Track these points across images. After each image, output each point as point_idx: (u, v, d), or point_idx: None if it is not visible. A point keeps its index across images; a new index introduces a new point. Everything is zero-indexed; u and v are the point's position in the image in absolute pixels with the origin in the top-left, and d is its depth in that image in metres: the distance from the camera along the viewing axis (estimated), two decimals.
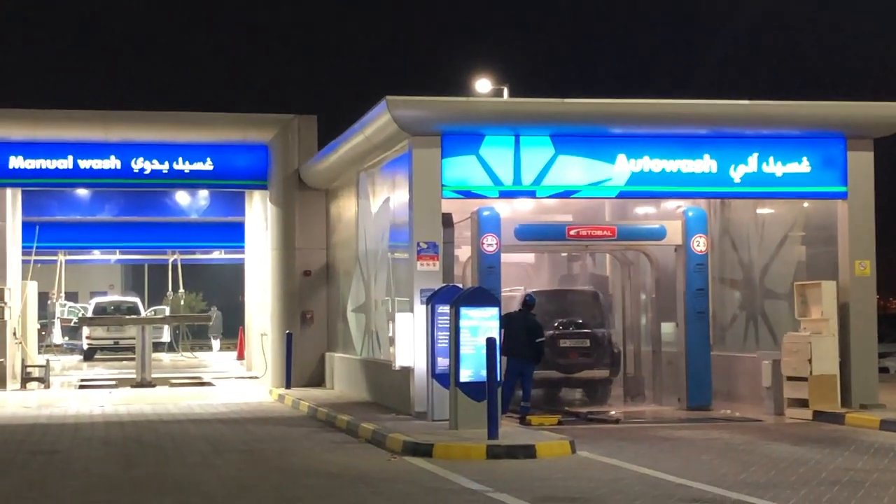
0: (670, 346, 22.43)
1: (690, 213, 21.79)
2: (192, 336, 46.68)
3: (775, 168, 20.84)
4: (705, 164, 20.70)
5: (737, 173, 20.77)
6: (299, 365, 27.08)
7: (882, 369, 25.84)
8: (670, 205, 23.13)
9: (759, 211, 23.12)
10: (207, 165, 28.11)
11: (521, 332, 19.43)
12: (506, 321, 19.43)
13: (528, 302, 19.84)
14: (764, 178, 20.82)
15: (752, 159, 20.78)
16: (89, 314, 42.58)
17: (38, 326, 38.92)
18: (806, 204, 22.01)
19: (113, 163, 27.65)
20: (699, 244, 21.66)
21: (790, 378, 20.21)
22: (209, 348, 47.11)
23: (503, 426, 17.00)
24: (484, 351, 16.56)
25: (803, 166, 20.87)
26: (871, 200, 20.86)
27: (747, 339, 23.09)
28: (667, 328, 22.76)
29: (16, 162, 27.16)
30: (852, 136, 20.83)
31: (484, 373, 16.59)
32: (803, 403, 19.92)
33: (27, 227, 31.65)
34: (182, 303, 47.20)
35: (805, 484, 13.16)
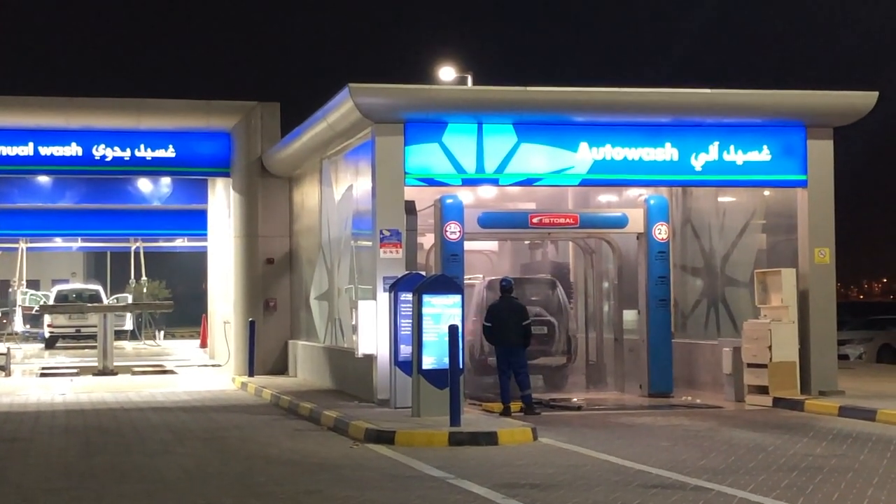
0: (632, 334, 22.55)
1: (652, 202, 21.90)
2: (155, 324, 46.51)
3: (736, 156, 20.97)
4: (667, 152, 20.80)
5: (698, 161, 20.89)
6: (262, 353, 27.04)
7: (841, 356, 26.07)
8: (632, 193, 23.25)
9: (720, 199, 23.27)
10: (170, 152, 28.00)
11: (507, 318, 19.31)
12: (490, 313, 19.47)
13: (506, 287, 19.75)
14: (725, 166, 20.95)
15: (713, 147, 20.90)
16: (51, 302, 42.33)
17: (0, 314, 38.71)
18: (766, 192, 22.17)
19: (74, 150, 27.49)
20: (661, 232, 21.77)
21: (750, 365, 20.36)
22: (172, 336, 46.96)
23: (466, 413, 17.05)
24: (447, 338, 16.60)
25: (764, 155, 21.01)
26: (831, 189, 21.03)
27: (708, 326, 23.26)
28: (629, 315, 22.88)
29: None
30: (812, 124, 20.98)
31: (447, 360, 16.63)
32: (763, 390, 20.08)
33: None
34: (145, 290, 46.99)
35: (764, 469, 13.28)
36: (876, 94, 20.80)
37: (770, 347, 20.01)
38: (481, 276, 23.32)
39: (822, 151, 21.00)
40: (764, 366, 20.07)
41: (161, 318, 46.46)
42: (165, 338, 46.22)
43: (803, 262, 20.88)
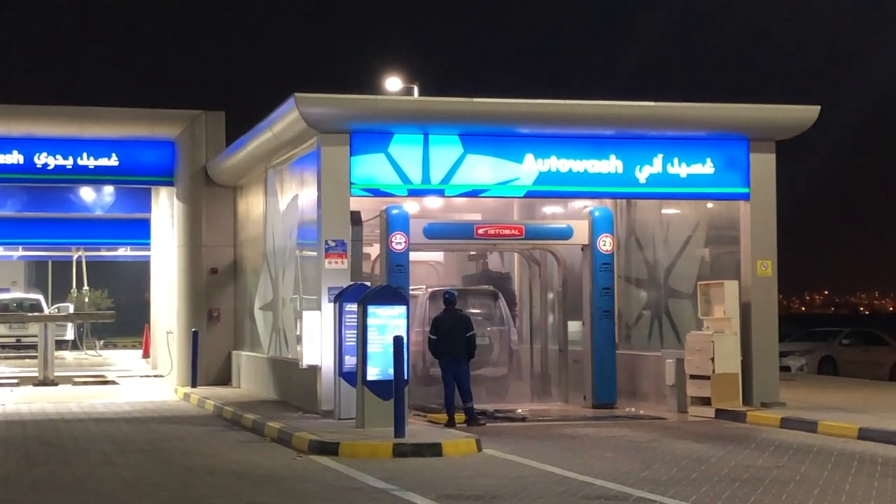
0: (576, 345, 22.62)
1: (597, 213, 22.00)
2: (94, 334, 46.05)
3: (680, 169, 21.11)
4: (611, 164, 20.91)
5: (642, 174, 21.01)
6: (205, 363, 26.84)
7: (783, 368, 26.31)
8: (577, 204, 23.34)
9: (664, 211, 23.42)
10: (113, 161, 27.77)
11: (450, 330, 19.31)
12: (434, 326, 19.46)
13: (449, 299, 19.77)
14: (669, 178, 21.09)
15: (657, 160, 21.04)
16: None
17: None
18: (710, 204, 22.33)
19: (15, 157, 27.21)
20: (605, 244, 21.86)
21: (693, 376, 20.49)
22: (114, 346, 46.48)
23: (410, 424, 17.02)
24: (391, 349, 16.56)
25: (707, 167, 21.17)
26: (773, 201, 21.22)
27: (652, 337, 23.38)
28: (573, 327, 22.95)
29: None
30: (755, 138, 21.17)
31: (391, 371, 16.59)
32: (706, 401, 20.21)
33: None
34: (87, 300, 46.52)
35: (706, 481, 13.36)
36: (818, 108, 21.04)
37: (713, 359, 20.14)
38: (424, 287, 23.30)
39: (764, 165, 21.19)
40: (707, 377, 20.20)
41: (101, 329, 46.01)
42: (106, 348, 45.78)
43: (746, 275, 21.05)
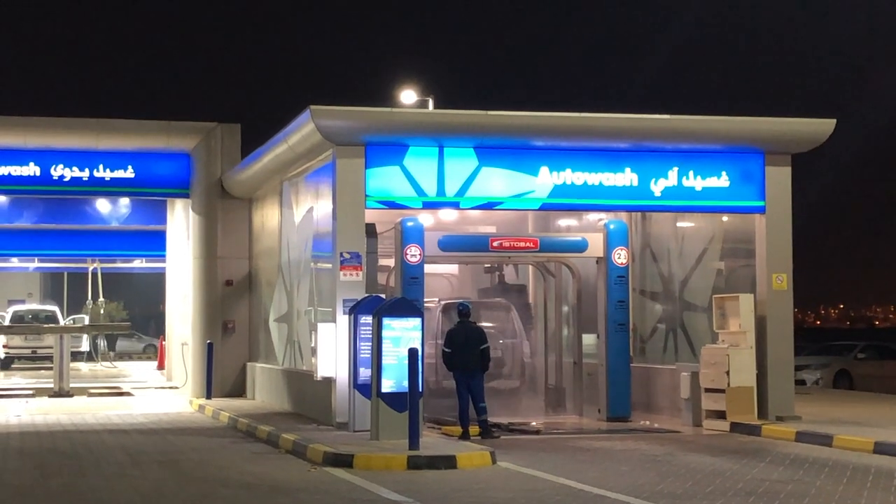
0: (591, 358, 22.59)
1: (612, 226, 21.98)
2: (108, 345, 46.14)
3: (695, 182, 21.09)
4: (626, 177, 20.91)
5: (657, 187, 21.00)
6: (220, 375, 26.88)
7: (798, 382, 26.24)
8: (592, 217, 23.33)
9: (679, 224, 23.40)
10: (129, 173, 27.85)
11: (465, 343, 19.30)
12: (448, 338, 19.47)
13: (463, 311, 19.77)
14: (684, 191, 21.07)
15: (673, 173, 21.02)
16: (6, 322, 41.91)
17: None
18: (725, 218, 22.30)
19: (32, 169, 27.31)
20: (620, 257, 21.85)
21: (708, 390, 20.44)
22: (129, 357, 46.58)
23: (425, 437, 17.02)
24: (406, 361, 16.56)
25: (722, 181, 21.15)
26: (789, 215, 21.18)
27: (667, 350, 23.33)
28: (588, 339, 22.92)
29: None
30: (770, 151, 21.14)
31: (406, 383, 16.59)
32: (721, 415, 20.16)
33: None
34: (102, 312, 46.64)
35: (721, 494, 13.32)
36: (833, 121, 21.00)
37: (728, 372, 20.09)
38: (437, 299, 23.30)
39: (780, 178, 21.16)
40: (722, 391, 20.15)
41: (114, 340, 46.11)
42: (121, 359, 45.88)
43: (761, 288, 21.01)
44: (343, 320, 19.08)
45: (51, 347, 30.70)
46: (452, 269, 26.60)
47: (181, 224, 30.58)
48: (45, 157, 27.33)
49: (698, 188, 21.09)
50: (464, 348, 19.25)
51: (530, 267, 25.17)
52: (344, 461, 15.69)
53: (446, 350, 19.46)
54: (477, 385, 19.27)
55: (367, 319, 17.92)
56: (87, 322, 43.50)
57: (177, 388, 29.67)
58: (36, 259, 45.18)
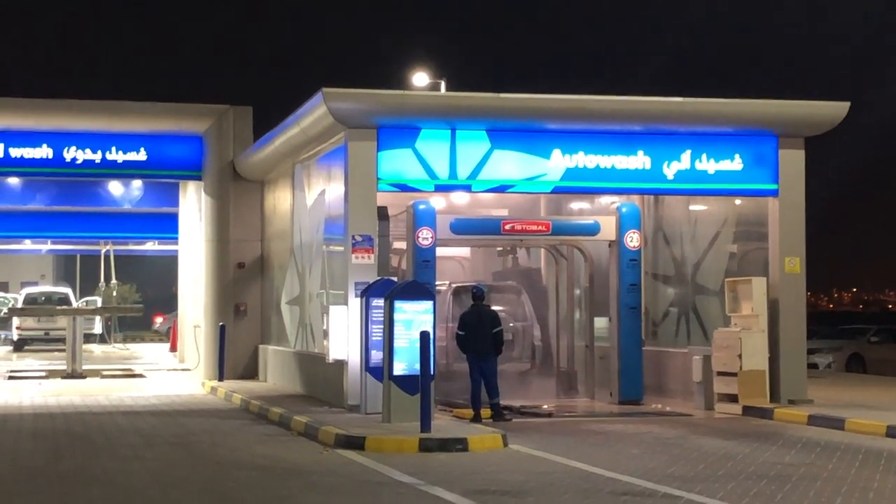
0: (603, 341, 22.58)
1: (624, 209, 21.94)
2: (126, 328, 46.31)
3: (708, 165, 21.03)
4: (639, 160, 20.85)
5: (670, 170, 20.95)
6: (232, 357, 26.94)
7: (811, 365, 26.19)
8: (604, 200, 23.29)
9: (691, 207, 23.34)
10: (141, 155, 27.87)
11: (478, 325, 19.29)
12: (461, 321, 19.46)
13: (478, 294, 19.75)
14: (697, 175, 21.01)
15: (686, 156, 20.97)
16: (20, 305, 42.08)
17: None
18: (738, 201, 22.24)
19: (45, 151, 27.34)
20: (632, 240, 21.81)
21: (720, 373, 20.41)
22: (142, 339, 46.72)
23: (436, 419, 17.04)
24: (418, 344, 16.57)
25: (735, 164, 21.08)
26: (802, 198, 21.12)
27: (679, 334, 23.31)
28: (600, 323, 22.90)
29: None
30: (784, 134, 21.07)
31: (417, 366, 16.60)
32: (733, 398, 20.14)
33: None
34: (115, 294, 46.79)
35: (733, 478, 13.31)
36: (847, 104, 20.90)
37: (740, 356, 20.06)
38: (447, 282, 23.29)
39: (793, 161, 21.09)
40: (734, 374, 20.13)
41: (130, 322, 46.25)
42: (135, 341, 46.03)
43: (774, 272, 20.96)
44: (355, 303, 19.09)
45: (63, 329, 30.80)
46: (465, 252, 26.60)
47: (193, 206, 30.62)
48: (58, 139, 27.36)
49: (711, 171, 21.03)
50: (477, 331, 19.24)
51: (542, 250, 25.15)
52: (356, 443, 15.72)
53: (460, 333, 19.46)
54: (490, 368, 19.27)
55: (378, 302, 17.93)
56: (99, 304, 43.65)
57: (189, 370, 29.75)
58: (49, 241, 45.34)
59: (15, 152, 27.18)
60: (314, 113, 20.44)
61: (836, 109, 20.94)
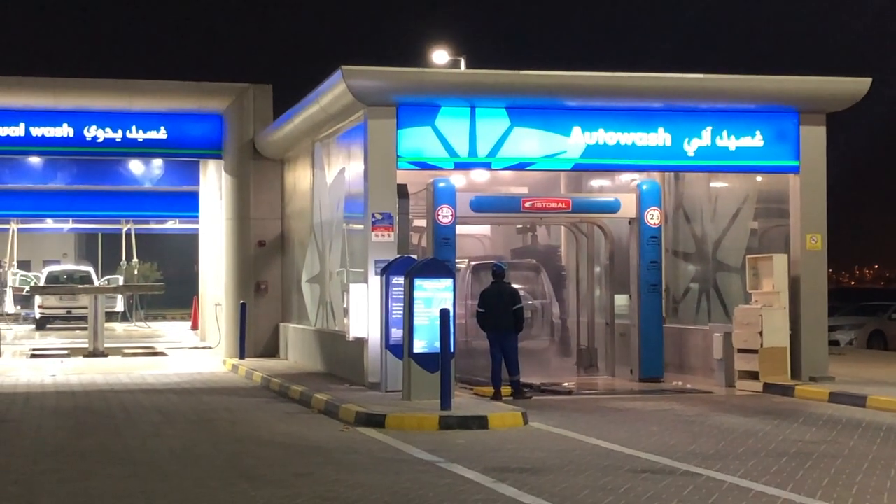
0: (623, 319, 22.55)
1: (644, 187, 21.88)
2: (147, 306, 46.48)
3: (729, 142, 20.95)
4: (659, 137, 20.78)
5: (690, 147, 20.87)
6: (253, 335, 27.02)
7: (832, 342, 26.11)
8: (625, 178, 23.23)
9: (712, 184, 23.26)
10: (161, 134, 27.92)
11: (498, 303, 19.25)
12: (482, 299, 19.46)
13: (498, 272, 19.71)
14: (717, 151, 20.93)
15: (706, 133, 20.88)
16: (42, 283, 42.29)
17: None
18: (759, 178, 22.15)
19: (65, 130, 27.41)
20: (653, 217, 21.76)
21: (741, 350, 20.37)
22: (163, 318, 46.90)
23: (456, 397, 17.06)
24: (438, 322, 16.58)
25: (756, 140, 20.99)
26: (823, 175, 21.02)
27: (699, 311, 23.26)
28: (620, 300, 22.88)
29: None
30: (805, 110, 20.96)
31: (437, 344, 16.61)
32: (754, 376, 20.10)
33: None
34: (136, 272, 46.95)
35: (754, 455, 13.30)
36: (869, 80, 20.78)
37: (761, 333, 20.02)
38: (466, 260, 23.26)
39: (814, 137, 20.98)
40: (755, 351, 20.09)
41: (150, 301, 46.39)
42: (155, 320, 46.21)
43: (795, 248, 20.89)
44: (375, 281, 19.11)
45: (85, 308, 30.94)
46: (485, 230, 26.57)
47: (214, 185, 30.67)
48: (79, 118, 27.42)
49: (732, 148, 20.95)
50: (497, 309, 19.23)
51: (563, 228, 25.11)
52: (376, 421, 15.75)
53: (480, 310, 19.45)
54: (510, 346, 19.25)
55: (398, 280, 17.93)
56: (121, 282, 43.82)
57: (210, 348, 29.86)
58: (70, 220, 45.53)
59: (36, 131, 27.26)
60: (334, 91, 20.42)
61: (858, 85, 20.82)
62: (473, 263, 23.11)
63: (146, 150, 28.38)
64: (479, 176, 23.10)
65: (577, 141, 20.54)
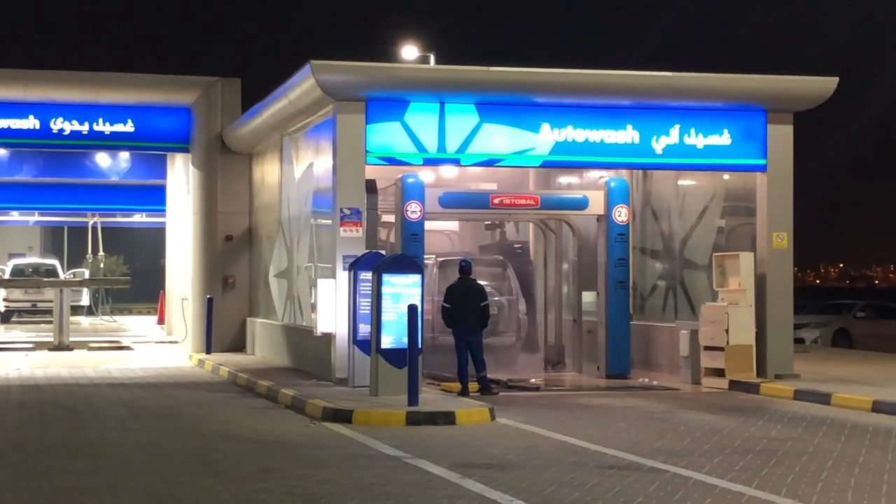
0: (591, 315, 22.60)
1: (613, 184, 21.94)
2: (113, 300, 46.21)
3: (697, 140, 21.03)
4: (628, 134, 20.83)
5: (659, 144, 20.93)
6: (220, 330, 26.92)
7: (798, 340, 26.27)
8: (593, 175, 23.28)
9: (680, 182, 23.35)
10: (129, 127, 27.77)
11: (465, 299, 19.27)
12: (448, 294, 19.44)
13: (465, 267, 19.70)
14: (685, 149, 21.00)
15: (674, 131, 20.95)
16: (6, 276, 41.96)
17: None
18: (726, 176, 22.25)
19: (31, 122, 27.23)
20: (621, 214, 21.82)
21: (707, 348, 20.46)
22: (129, 312, 46.63)
23: (424, 393, 17.05)
24: (405, 318, 16.57)
25: (724, 138, 21.08)
26: (790, 173, 21.13)
27: (666, 308, 23.35)
28: (588, 297, 22.93)
29: None
30: (772, 109, 21.06)
31: (405, 339, 16.61)
32: (720, 373, 20.19)
33: None
34: (102, 266, 46.66)
35: (719, 452, 13.36)
36: (836, 79, 20.89)
37: (727, 331, 20.10)
38: (433, 256, 23.26)
39: (782, 136, 21.09)
40: (721, 349, 20.18)
41: (117, 294, 46.12)
42: (123, 314, 45.96)
43: (761, 246, 20.99)
44: (343, 276, 19.08)
45: (51, 301, 30.75)
46: (453, 226, 26.57)
47: (181, 178, 30.52)
48: (45, 110, 27.24)
49: (700, 146, 21.02)
50: (464, 305, 19.23)
51: (531, 224, 25.14)
52: (343, 416, 15.73)
53: (446, 306, 19.44)
54: (476, 342, 19.26)
55: (366, 276, 17.91)
56: (87, 276, 43.53)
57: (177, 342, 29.72)
58: (36, 213, 45.15)
59: (1, 123, 27.08)
60: (302, 85, 20.36)
61: (825, 84, 20.93)
62: (440, 259, 23.11)
63: (113, 143, 28.22)
64: (448, 172, 23.10)
65: (546, 138, 20.56)
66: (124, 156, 33.41)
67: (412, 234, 20.62)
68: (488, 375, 19.42)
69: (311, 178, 22.36)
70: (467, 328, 19.21)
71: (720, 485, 11.41)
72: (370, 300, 17.63)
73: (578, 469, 12.17)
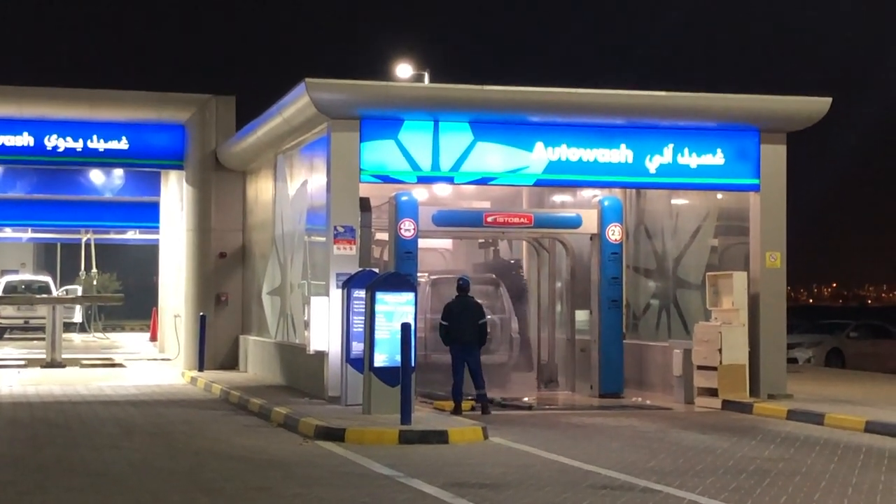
0: (584, 334, 22.60)
1: (606, 203, 21.97)
2: (106, 317, 46.15)
3: (690, 159, 21.07)
4: (622, 153, 20.87)
5: (652, 164, 20.97)
6: (213, 347, 26.89)
7: (791, 360, 26.30)
8: (587, 193, 23.32)
9: (673, 201, 23.38)
10: (122, 144, 27.77)
11: (462, 316, 19.22)
12: (446, 312, 19.41)
13: (463, 285, 19.67)
14: (679, 169, 21.05)
15: (668, 150, 21.00)
16: None
17: None
18: (719, 195, 22.29)
19: (26, 139, 27.22)
20: (614, 233, 21.84)
21: (700, 367, 20.46)
22: (122, 329, 46.56)
23: (417, 411, 17.03)
24: (399, 336, 16.56)
25: (717, 158, 21.13)
26: (783, 193, 21.18)
27: (660, 328, 23.36)
28: (581, 316, 22.93)
29: None
30: (766, 129, 21.11)
31: (398, 358, 16.59)
32: (713, 392, 20.19)
33: None
34: (95, 283, 46.62)
35: (712, 472, 13.35)
36: (829, 100, 20.97)
37: (720, 350, 20.11)
38: (426, 274, 23.26)
39: (775, 156, 21.14)
40: (714, 368, 20.18)
41: (109, 311, 46.05)
42: (115, 331, 45.89)
43: (755, 266, 21.02)
44: (336, 294, 19.07)
45: (43, 318, 30.67)
46: (447, 244, 26.58)
47: (175, 196, 30.51)
48: (40, 127, 27.23)
49: (693, 165, 21.07)
50: (462, 322, 19.20)
51: (524, 243, 25.16)
52: (336, 435, 15.70)
53: (443, 323, 19.40)
54: (474, 360, 19.23)
55: (360, 293, 17.90)
56: (79, 293, 43.48)
57: (169, 359, 29.67)
58: (29, 229, 45.09)
59: None
60: (297, 103, 20.39)
61: (818, 105, 21.00)
62: (433, 277, 23.11)
63: (107, 160, 28.22)
64: (442, 190, 23.11)
65: (539, 156, 20.60)
66: (118, 173, 33.41)
67: (406, 251, 20.63)
68: (495, 397, 19.30)
69: (304, 196, 22.37)
70: (466, 346, 19.18)
71: None
72: (363, 318, 17.61)
73: (571, 489, 12.16)
